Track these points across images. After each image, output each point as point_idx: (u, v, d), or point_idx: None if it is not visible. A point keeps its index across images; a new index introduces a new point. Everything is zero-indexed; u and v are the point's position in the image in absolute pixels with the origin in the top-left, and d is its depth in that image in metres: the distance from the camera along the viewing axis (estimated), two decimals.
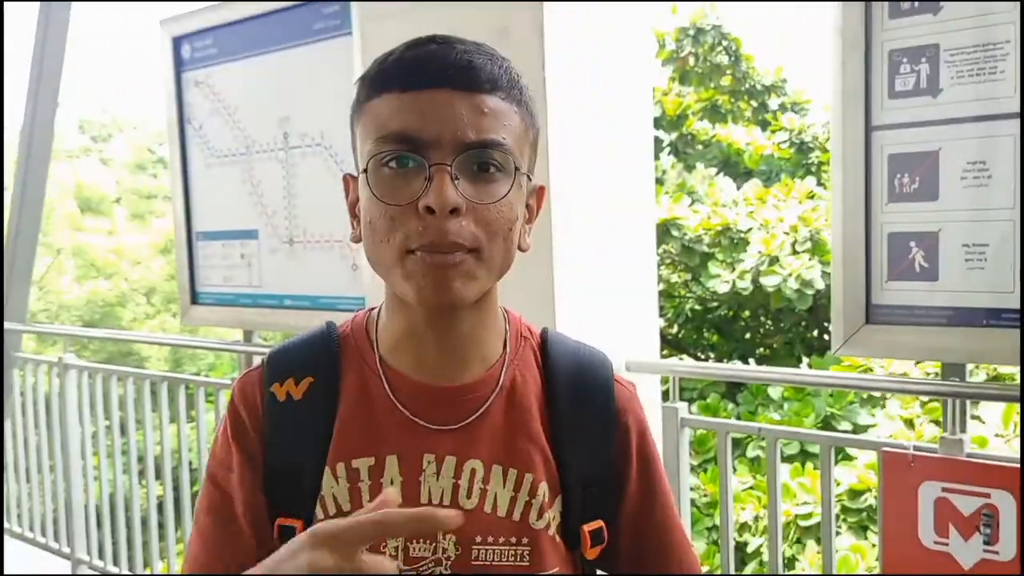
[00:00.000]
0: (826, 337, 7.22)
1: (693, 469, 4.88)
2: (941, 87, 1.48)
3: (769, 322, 7.46)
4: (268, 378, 0.90)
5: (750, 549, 4.77)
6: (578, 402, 0.90)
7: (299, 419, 0.88)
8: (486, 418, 0.87)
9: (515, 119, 0.82)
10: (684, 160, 7.12)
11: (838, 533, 4.35)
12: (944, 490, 1.49)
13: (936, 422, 4.61)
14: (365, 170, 0.81)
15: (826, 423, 5.12)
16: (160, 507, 3.09)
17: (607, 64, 1.89)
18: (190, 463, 3.28)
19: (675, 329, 7.36)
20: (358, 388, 0.88)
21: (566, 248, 1.75)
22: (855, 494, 4.43)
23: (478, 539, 0.85)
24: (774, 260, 5.99)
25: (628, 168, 1.95)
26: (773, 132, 7.47)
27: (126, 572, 3.21)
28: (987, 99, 1.44)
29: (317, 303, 2.31)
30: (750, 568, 4.76)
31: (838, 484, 4.24)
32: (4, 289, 3.69)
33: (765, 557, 4.58)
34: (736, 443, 4.94)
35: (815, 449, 4.46)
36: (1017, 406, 4.15)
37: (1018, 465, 1.43)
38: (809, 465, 4.65)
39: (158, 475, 3.10)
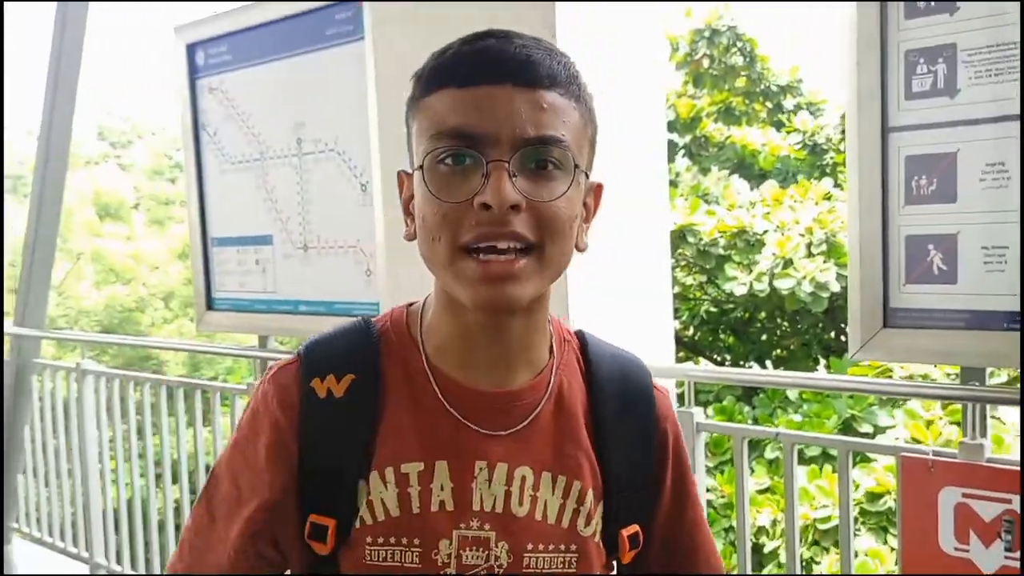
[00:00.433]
0: (843, 339, 7.17)
1: (709, 471, 4.86)
2: (959, 87, 1.46)
3: (786, 324, 7.41)
4: (306, 373, 0.86)
5: (767, 551, 4.74)
6: (622, 408, 0.90)
7: (340, 418, 0.84)
8: (536, 424, 0.86)
9: (574, 116, 0.81)
10: (699, 163, 7.09)
11: (857, 535, 4.31)
12: (964, 496, 1.47)
13: (956, 423, 4.57)
14: (420, 167, 0.79)
15: (846, 425, 5.08)
16: (177, 511, 3.11)
17: (619, 66, 1.88)
18: (207, 467, 3.28)
19: (691, 331, 7.33)
20: (404, 388, 0.86)
21: (578, 264, 1.74)
22: (874, 497, 4.39)
23: (529, 547, 0.84)
24: (788, 263, 5.96)
25: (642, 170, 1.94)
26: (788, 133, 7.43)
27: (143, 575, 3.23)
28: (1005, 99, 1.41)
29: (332, 308, 2.31)
30: (767, 571, 4.73)
31: (856, 487, 4.20)
32: (22, 294, 3.72)
33: (783, 559, 4.55)
34: (754, 445, 4.90)
35: (835, 451, 4.43)
36: None
37: None
38: (828, 467, 4.62)
39: (175, 479, 3.11)
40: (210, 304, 2.65)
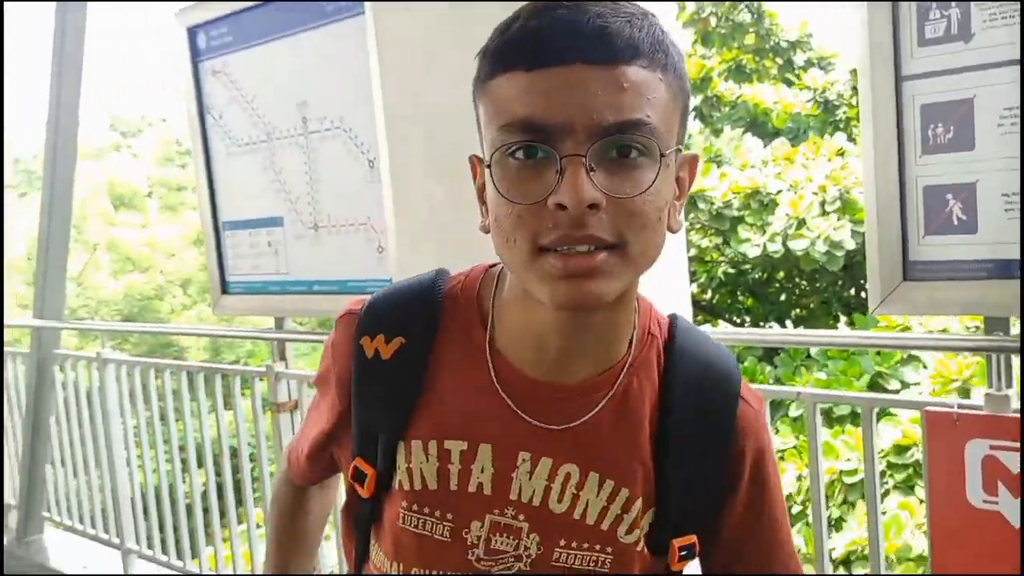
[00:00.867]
0: (863, 295, 7.12)
1: None
2: (973, 31, 1.42)
3: (804, 283, 7.37)
4: (360, 328, 0.85)
5: (794, 511, 4.74)
6: (696, 418, 0.83)
7: (384, 382, 0.83)
8: (593, 422, 0.81)
9: (660, 89, 0.71)
10: (711, 124, 7.02)
11: (885, 493, 4.30)
12: (991, 448, 1.45)
13: (980, 375, 4.53)
14: (490, 163, 0.73)
15: (873, 382, 5.05)
16: (204, 494, 3.14)
17: None
18: (232, 449, 3.33)
19: (708, 295, 7.29)
20: (458, 363, 0.83)
21: None
22: (901, 449, 4.37)
23: (562, 542, 0.82)
24: (801, 223, 5.91)
25: None
26: (799, 90, 7.33)
27: (175, 561, 3.27)
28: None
29: (345, 287, 2.31)
30: (795, 530, 4.73)
31: (879, 438, 4.18)
32: (39, 286, 3.74)
33: (810, 519, 4.54)
34: (778, 404, 4.89)
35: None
36: None
37: None
38: (851, 426, 4.60)
39: (200, 463, 3.14)
40: (225, 288, 2.65)
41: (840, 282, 7.04)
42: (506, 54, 0.72)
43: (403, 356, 0.83)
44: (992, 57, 1.41)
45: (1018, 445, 1.42)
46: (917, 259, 1.52)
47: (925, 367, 4.97)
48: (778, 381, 5.50)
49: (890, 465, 4.39)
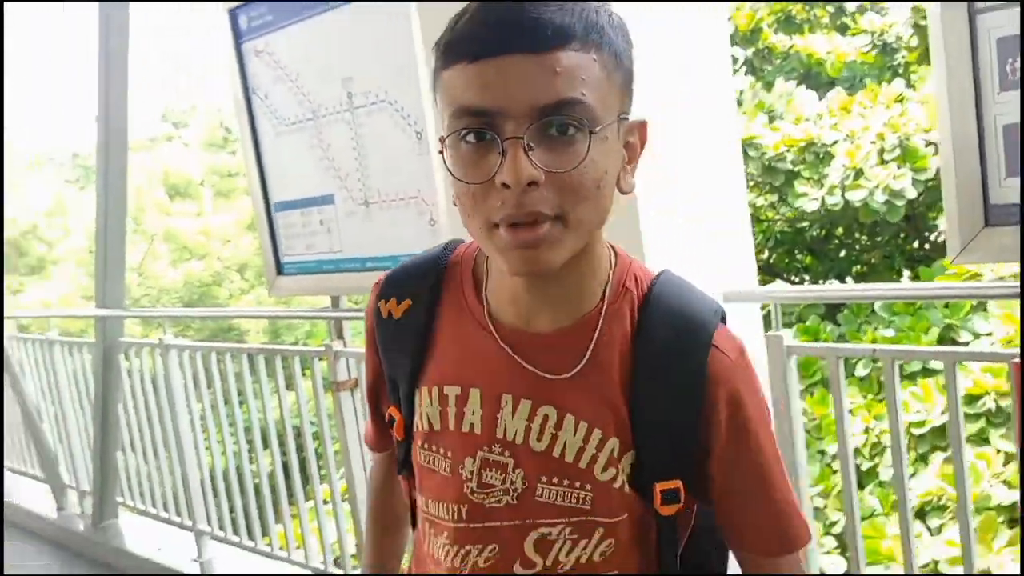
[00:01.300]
0: (927, 247, 6.89)
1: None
2: None
3: (864, 238, 7.16)
4: (380, 294, 1.01)
5: (864, 469, 4.64)
6: (665, 366, 0.88)
7: (397, 338, 0.98)
8: (567, 369, 0.89)
9: (594, 68, 0.78)
10: (762, 78, 6.81)
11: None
12: None
13: None
14: (443, 147, 0.82)
15: (943, 335, 4.88)
16: (271, 474, 3.18)
17: None
18: (295, 429, 3.36)
19: (766, 254, 7.13)
20: (456, 319, 0.94)
21: (649, 181, 1.66)
22: (972, 399, 4.23)
23: (543, 478, 0.90)
24: (859, 173, 5.71)
25: (706, 89, 1.84)
26: (854, 36, 7.07)
27: (247, 541, 3.32)
28: None
29: (398, 262, 2.28)
30: (868, 489, 4.63)
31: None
32: (99, 276, 3.80)
33: (883, 476, 4.44)
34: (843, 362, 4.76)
35: (934, 364, 4.26)
36: None
37: None
38: (922, 379, 4.46)
39: (266, 444, 3.18)
40: (280, 269, 2.65)
41: (902, 234, 6.83)
42: (453, 47, 0.79)
43: (410, 315, 0.97)
44: None
45: None
46: (999, 202, 1.43)
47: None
48: (842, 338, 5.36)
49: (963, 415, 4.25)
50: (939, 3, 1.43)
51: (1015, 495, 3.79)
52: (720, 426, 0.89)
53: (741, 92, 6.55)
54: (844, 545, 4.29)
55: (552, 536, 0.90)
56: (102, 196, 3.66)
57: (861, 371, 4.94)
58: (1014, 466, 3.90)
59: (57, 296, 17.85)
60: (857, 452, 4.57)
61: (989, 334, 4.78)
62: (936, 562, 3.89)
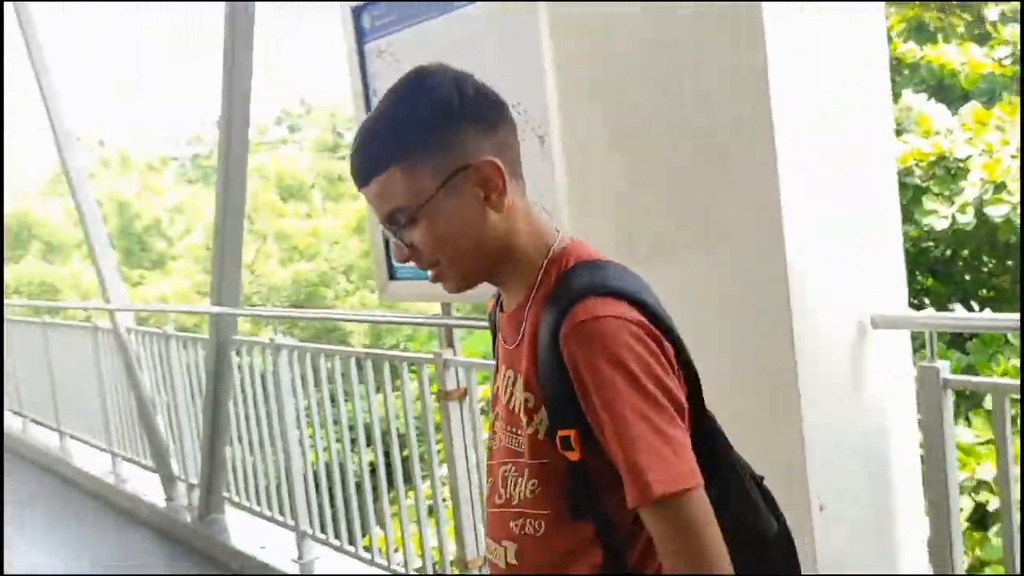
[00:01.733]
0: None
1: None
2: None
3: (994, 260, 6.73)
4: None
5: (991, 509, 4.32)
6: (542, 337, 1.05)
7: (491, 330, 1.27)
8: (514, 340, 1.13)
9: (396, 179, 1.05)
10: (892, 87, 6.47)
11: None
12: None
13: None
14: None
15: None
16: (373, 472, 3.18)
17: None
18: (397, 430, 3.34)
19: None
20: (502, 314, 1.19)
21: (795, 198, 1.53)
22: None
23: (506, 427, 1.13)
24: (1000, 187, 5.33)
25: (859, 105, 1.69)
26: (992, 47, 6.65)
27: (347, 546, 3.30)
28: None
29: None
30: (993, 531, 4.32)
31: None
32: (216, 274, 3.87)
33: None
34: (966, 395, 4.44)
35: None
36: None
37: None
38: None
39: (369, 443, 3.17)
40: (392, 274, 2.61)
41: None
42: None
43: (492, 312, 1.24)
44: None
45: None
46: None
47: None
48: (970, 369, 5.02)
49: None
50: None
51: None
52: (577, 385, 1.02)
53: None
54: None
55: (506, 473, 1.12)
56: (221, 197, 3.73)
57: (991, 404, 4.61)
58: None
59: (174, 291, 18.63)
60: (984, 485, 4.27)
61: None
62: None
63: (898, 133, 6.06)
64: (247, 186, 3.82)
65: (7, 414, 7.69)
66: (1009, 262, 6.61)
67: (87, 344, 5.73)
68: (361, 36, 2.51)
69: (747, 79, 1.52)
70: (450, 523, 2.86)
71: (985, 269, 6.95)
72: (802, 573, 1.16)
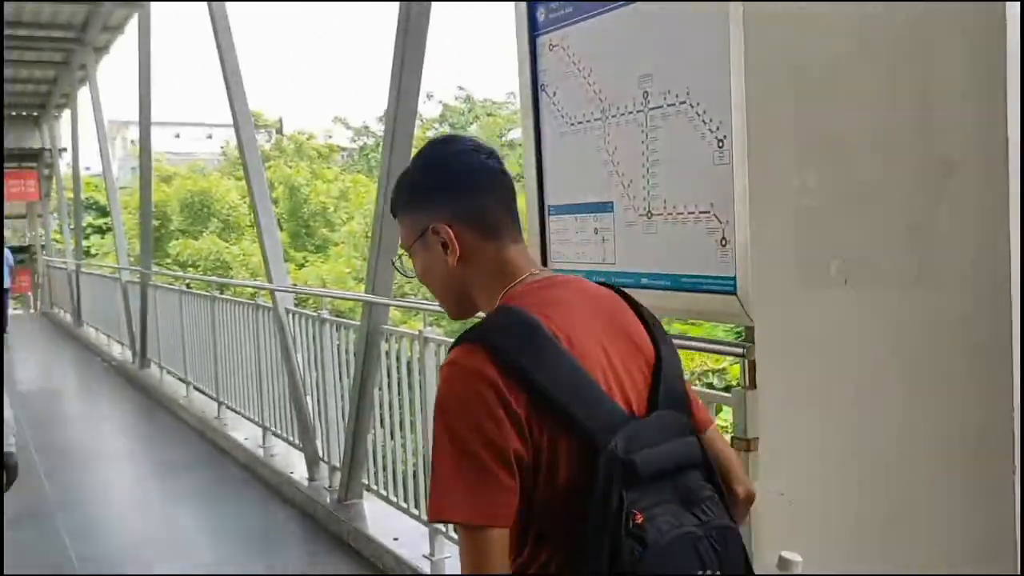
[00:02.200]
0: None
1: None
2: None
3: None
4: None
5: None
6: None
7: None
8: None
9: (403, 225, 1.35)
10: None
11: None
12: None
13: None
14: None
15: None
16: None
17: None
18: None
19: None
20: None
21: None
22: None
23: None
24: None
25: None
26: None
27: None
28: None
29: (678, 283, 2.05)
30: None
31: None
32: (372, 264, 3.91)
33: None
34: None
35: None
36: None
37: None
38: None
39: None
40: None
41: None
42: None
43: None
44: None
45: None
46: None
47: None
48: None
49: None
50: None
51: None
52: None
53: None
54: None
55: None
56: (383, 188, 3.76)
57: None
58: None
59: (333, 274, 19.39)
60: None
61: None
62: None
63: None
64: None
65: (171, 379, 8.18)
66: None
67: (249, 320, 5.98)
68: (534, 29, 2.42)
69: (979, 83, 1.31)
70: None
71: None
72: None
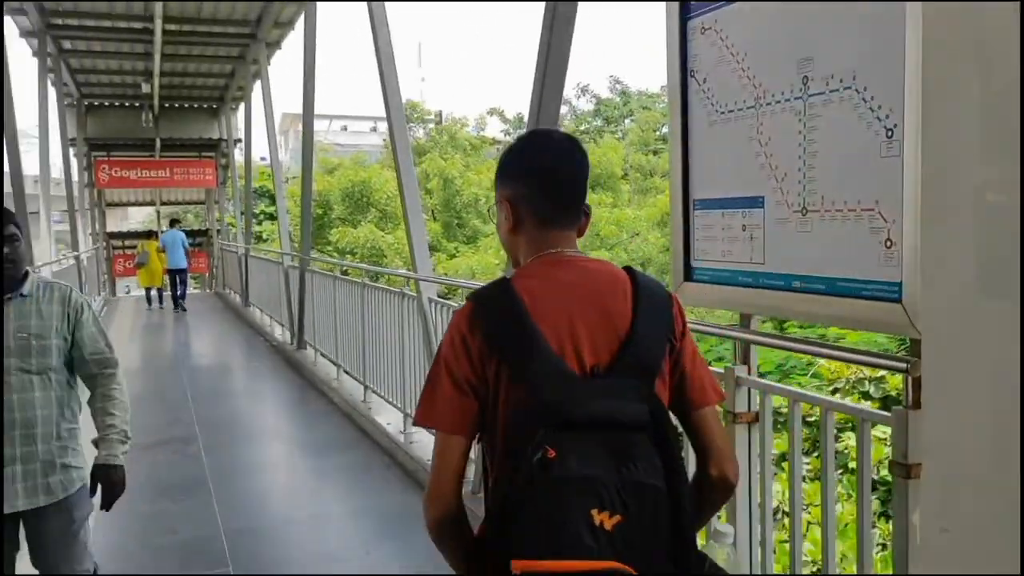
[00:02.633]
0: None
1: None
2: None
3: None
4: None
5: None
6: None
7: None
8: None
9: (495, 190, 1.61)
10: None
11: None
12: None
13: None
14: None
15: None
16: None
17: None
18: None
19: None
20: None
21: None
22: None
23: None
24: None
25: None
26: None
27: None
28: None
29: (835, 287, 1.87)
30: None
31: None
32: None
33: None
34: None
35: None
36: None
37: None
38: None
39: None
40: (689, 275, 2.37)
41: None
42: None
43: None
44: None
45: None
46: None
47: None
48: None
49: None
50: None
51: None
52: None
53: None
54: None
55: None
56: None
57: None
58: None
59: (482, 266, 19.65)
60: None
61: None
62: None
63: None
64: None
65: (324, 362, 8.49)
66: None
67: (394, 308, 6.09)
68: (685, 12, 2.28)
69: None
70: None
71: None
72: None
